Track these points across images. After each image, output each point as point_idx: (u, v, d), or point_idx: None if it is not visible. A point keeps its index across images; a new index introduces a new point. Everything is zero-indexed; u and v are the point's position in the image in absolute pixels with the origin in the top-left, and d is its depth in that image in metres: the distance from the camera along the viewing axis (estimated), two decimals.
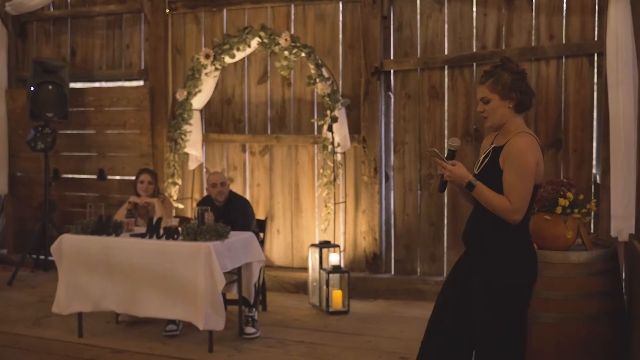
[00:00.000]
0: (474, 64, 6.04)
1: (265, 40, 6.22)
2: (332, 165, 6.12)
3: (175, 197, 6.70)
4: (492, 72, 3.02)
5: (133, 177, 5.90)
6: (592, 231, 5.49)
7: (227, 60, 6.49)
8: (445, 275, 6.07)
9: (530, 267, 3.03)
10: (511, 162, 2.92)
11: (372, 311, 5.80)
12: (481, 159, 3.13)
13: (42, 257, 7.27)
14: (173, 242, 4.74)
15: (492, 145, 3.09)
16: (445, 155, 3.03)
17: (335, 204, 6.21)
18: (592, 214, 5.00)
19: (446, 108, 6.17)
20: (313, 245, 6.05)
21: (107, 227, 4.97)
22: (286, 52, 6.15)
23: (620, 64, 5.01)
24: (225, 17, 6.94)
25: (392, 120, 6.37)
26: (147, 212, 5.63)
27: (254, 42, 6.32)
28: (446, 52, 6.17)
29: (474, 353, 3.08)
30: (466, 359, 3.13)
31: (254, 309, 5.13)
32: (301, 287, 6.31)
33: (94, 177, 7.36)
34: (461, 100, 6.09)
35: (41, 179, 7.28)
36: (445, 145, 5.93)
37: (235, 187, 6.65)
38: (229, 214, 5.46)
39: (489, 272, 2.99)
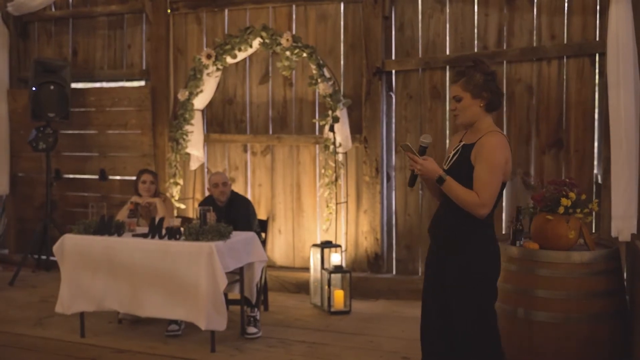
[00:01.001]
0: None
1: (267, 41, 6.23)
2: (333, 165, 6.13)
3: (176, 197, 6.70)
4: (465, 72, 3.15)
5: (134, 177, 5.90)
6: (594, 231, 5.49)
7: (229, 60, 6.49)
8: None
9: (494, 261, 3.16)
10: (483, 158, 3.04)
11: (373, 311, 5.80)
12: (450, 155, 3.24)
13: (43, 257, 7.28)
14: (175, 242, 4.75)
15: (462, 143, 3.21)
16: (418, 152, 3.13)
17: (336, 204, 6.22)
18: (594, 214, 5.00)
19: (447, 108, 6.17)
20: (315, 245, 6.06)
21: (109, 227, 4.98)
22: (288, 52, 6.15)
23: (621, 64, 5.01)
24: (226, 17, 6.94)
25: (393, 120, 6.37)
26: (149, 212, 5.63)
27: (256, 42, 6.33)
28: (448, 52, 6.17)
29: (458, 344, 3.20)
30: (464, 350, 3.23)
31: (255, 309, 5.13)
32: (303, 287, 6.32)
33: (96, 177, 7.37)
34: None
35: (43, 179, 7.29)
36: (446, 145, 5.94)
37: (237, 187, 6.66)
38: (231, 214, 5.46)
39: (456, 267, 3.12)
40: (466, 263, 3.10)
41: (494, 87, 3.15)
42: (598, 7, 5.61)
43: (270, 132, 6.81)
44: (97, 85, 7.79)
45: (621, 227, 4.96)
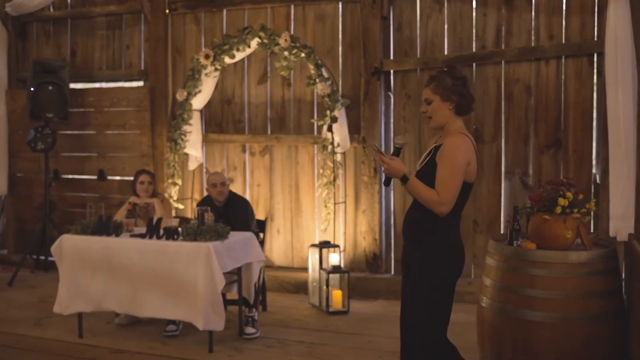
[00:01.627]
0: (474, 64, 6.05)
1: (265, 41, 6.23)
2: (332, 165, 6.13)
3: (175, 198, 6.71)
4: (436, 76, 3.30)
5: (133, 178, 5.90)
6: (591, 231, 5.49)
7: (227, 60, 6.49)
8: None
9: (450, 261, 3.28)
10: (443, 158, 3.19)
11: (372, 311, 5.80)
12: (423, 157, 3.39)
13: (42, 257, 7.28)
14: (173, 243, 4.75)
15: (434, 145, 3.35)
16: (392, 152, 3.30)
17: (335, 204, 6.22)
18: (592, 213, 5.00)
19: None
20: (313, 245, 6.06)
21: (107, 227, 4.98)
22: (286, 53, 6.15)
23: (620, 64, 5.01)
24: (225, 18, 6.95)
25: (392, 120, 6.37)
26: (147, 212, 5.63)
27: (254, 43, 6.33)
28: (446, 52, 6.18)
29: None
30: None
31: (254, 309, 5.14)
32: (301, 287, 6.32)
33: (94, 177, 7.37)
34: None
35: (41, 179, 7.29)
36: None
37: (235, 188, 6.66)
38: (229, 214, 5.46)
39: (416, 264, 3.29)
40: (422, 259, 3.26)
41: (464, 91, 3.27)
42: (596, 7, 5.62)
43: (269, 132, 6.81)
44: (96, 85, 7.79)
45: (619, 227, 4.96)
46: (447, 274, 3.29)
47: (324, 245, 5.96)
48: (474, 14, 6.07)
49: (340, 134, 6.16)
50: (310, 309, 5.89)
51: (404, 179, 3.23)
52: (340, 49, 6.53)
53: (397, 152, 3.31)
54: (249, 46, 6.36)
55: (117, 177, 7.39)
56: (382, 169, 3.35)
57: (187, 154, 6.77)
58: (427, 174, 3.25)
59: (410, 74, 6.28)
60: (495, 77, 6.00)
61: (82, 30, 7.64)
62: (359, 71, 6.38)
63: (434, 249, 3.25)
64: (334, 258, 5.88)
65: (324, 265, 5.87)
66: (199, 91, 6.60)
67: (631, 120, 4.96)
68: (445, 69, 3.33)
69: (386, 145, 6.34)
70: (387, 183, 3.43)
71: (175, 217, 5.90)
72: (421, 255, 3.28)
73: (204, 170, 7.00)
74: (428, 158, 3.32)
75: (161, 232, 4.85)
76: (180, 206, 6.75)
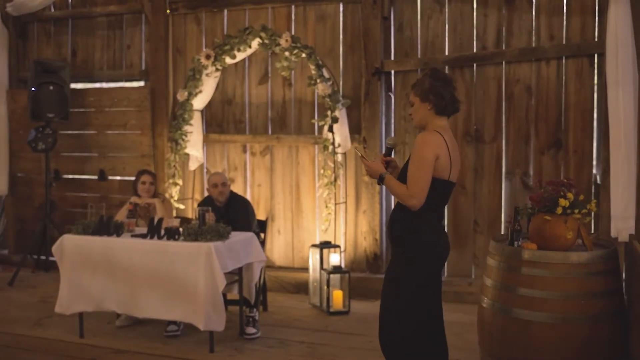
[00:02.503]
0: (475, 65, 6.05)
1: (266, 41, 6.23)
2: (332, 165, 6.13)
3: (176, 198, 6.71)
4: (417, 80, 3.44)
5: (134, 178, 5.91)
6: (592, 231, 5.49)
7: (228, 60, 6.50)
8: (445, 275, 6.08)
9: (424, 258, 3.35)
10: (413, 154, 3.30)
11: (372, 311, 5.79)
12: (408, 156, 3.44)
13: (42, 257, 7.28)
14: (174, 243, 4.75)
15: None
16: (383, 152, 3.43)
17: (335, 204, 6.22)
18: (592, 214, 5.01)
19: None
20: (314, 245, 6.06)
21: (108, 227, 4.99)
22: (287, 53, 6.16)
23: (620, 65, 5.01)
24: (225, 18, 6.95)
25: (392, 120, 6.38)
26: (148, 212, 5.64)
27: (255, 43, 6.33)
28: (447, 53, 6.18)
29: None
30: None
31: (254, 310, 5.14)
32: (302, 288, 6.32)
33: (95, 177, 7.38)
34: (461, 101, 6.07)
35: (42, 179, 7.30)
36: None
37: (236, 188, 6.66)
38: (230, 214, 5.47)
39: (392, 262, 3.45)
40: (396, 256, 3.41)
41: (443, 92, 3.34)
42: (597, 8, 5.62)
43: (270, 132, 6.82)
44: (97, 85, 7.80)
45: (620, 228, 4.96)
46: (419, 270, 3.35)
47: (325, 245, 5.96)
48: (474, 14, 6.07)
49: (340, 134, 6.16)
50: (310, 309, 5.89)
51: (381, 179, 3.38)
52: (341, 49, 6.53)
53: (389, 151, 3.45)
54: (250, 46, 6.36)
55: (118, 177, 7.39)
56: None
57: (187, 154, 6.78)
58: (404, 172, 3.38)
59: (410, 75, 6.28)
60: (495, 78, 6.01)
61: (82, 30, 7.65)
62: (360, 71, 6.38)
63: (407, 245, 3.34)
64: (334, 258, 5.88)
65: (325, 266, 5.88)
66: (200, 91, 6.61)
67: (632, 121, 4.97)
68: (427, 72, 3.44)
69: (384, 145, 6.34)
70: (380, 182, 3.49)
71: (176, 217, 5.91)
72: (396, 253, 3.41)
73: (205, 170, 7.00)
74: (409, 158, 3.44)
75: (162, 232, 4.85)
76: (181, 206, 6.76)
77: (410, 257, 3.34)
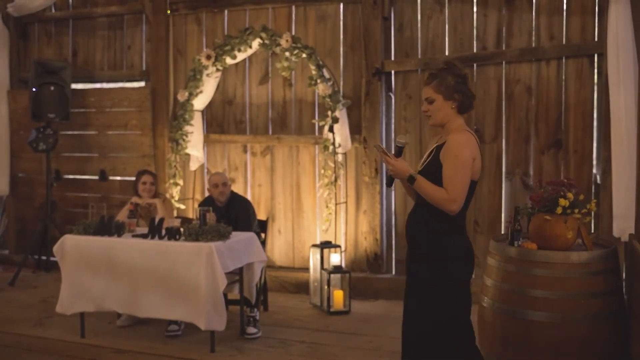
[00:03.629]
0: (475, 65, 6.05)
1: (267, 41, 6.24)
2: (333, 165, 6.14)
3: (176, 198, 6.72)
4: (437, 75, 3.22)
5: (134, 178, 5.92)
6: (592, 231, 5.49)
7: (228, 61, 6.51)
8: None
9: (465, 260, 3.23)
10: (449, 155, 3.14)
11: (373, 311, 5.81)
12: (425, 156, 3.34)
13: (43, 257, 7.29)
14: (175, 243, 4.76)
15: (436, 144, 3.30)
16: (393, 152, 3.24)
17: (336, 204, 6.23)
18: (593, 214, 5.01)
19: None
20: (314, 245, 6.07)
21: (109, 227, 4.99)
22: (287, 53, 6.17)
23: (621, 65, 5.01)
24: (226, 18, 6.95)
25: (393, 120, 6.39)
26: (148, 212, 5.65)
27: (255, 43, 6.34)
28: (447, 53, 6.18)
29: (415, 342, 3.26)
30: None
31: (255, 309, 5.15)
32: (302, 288, 6.33)
33: (96, 177, 7.38)
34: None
35: (43, 179, 7.30)
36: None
37: (237, 188, 6.67)
38: (231, 214, 5.48)
39: (426, 266, 3.20)
40: (430, 263, 3.19)
41: (465, 89, 3.22)
42: (597, 8, 5.62)
43: (270, 132, 6.82)
44: (97, 86, 7.80)
45: (623, 227, 4.95)
46: (458, 274, 3.21)
47: (325, 245, 5.97)
48: (474, 14, 6.08)
49: (341, 134, 6.17)
50: (311, 309, 5.90)
51: (411, 180, 3.17)
52: (341, 49, 6.54)
53: (399, 151, 3.25)
54: (250, 47, 6.37)
55: (118, 178, 7.40)
56: (386, 169, 3.29)
57: (188, 155, 6.79)
58: (430, 173, 3.19)
59: (411, 75, 6.29)
60: (495, 78, 6.01)
61: (83, 31, 7.65)
62: (360, 72, 6.38)
63: (444, 251, 3.18)
64: (335, 258, 5.89)
65: (325, 266, 5.88)
66: (200, 92, 6.62)
67: (634, 121, 4.97)
68: (445, 66, 3.24)
69: (387, 145, 6.35)
70: (389, 184, 3.39)
71: (176, 217, 5.91)
72: (430, 258, 3.19)
73: (205, 170, 7.01)
74: (430, 158, 3.27)
75: (163, 232, 4.86)
76: (182, 206, 6.77)
77: (444, 263, 3.17)
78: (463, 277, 3.23)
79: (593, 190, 5.65)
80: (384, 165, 3.34)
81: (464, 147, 3.13)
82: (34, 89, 6.98)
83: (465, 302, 3.25)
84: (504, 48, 5.97)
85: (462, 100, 3.21)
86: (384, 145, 6.27)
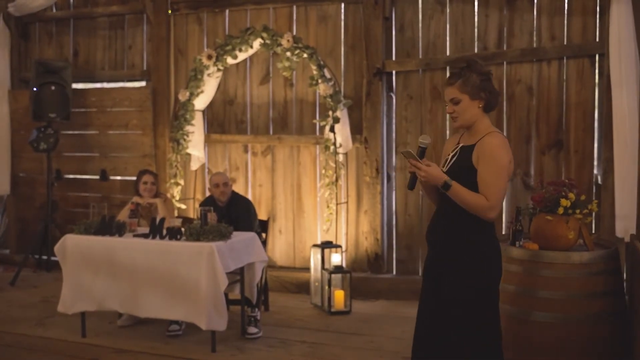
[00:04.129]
0: None
1: (268, 41, 6.24)
2: (334, 165, 6.14)
3: (177, 198, 6.72)
4: (461, 74, 3.08)
5: (135, 178, 5.92)
6: (593, 232, 5.50)
7: (230, 61, 6.51)
8: None
9: (496, 264, 3.12)
10: (487, 160, 2.99)
11: (374, 311, 5.81)
12: (448, 157, 3.18)
13: (44, 257, 7.29)
14: (176, 243, 4.76)
15: (460, 145, 3.15)
16: (416, 153, 3.07)
17: (337, 204, 6.23)
18: (594, 214, 5.01)
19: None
20: (315, 245, 6.07)
21: (110, 227, 5.00)
22: (288, 53, 6.17)
23: (623, 65, 5.01)
24: (227, 18, 6.96)
25: (394, 120, 6.39)
26: (149, 212, 5.65)
27: (256, 43, 6.34)
28: (448, 53, 6.18)
29: (445, 352, 3.11)
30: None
31: (256, 309, 5.15)
32: (303, 287, 6.33)
33: (97, 177, 7.37)
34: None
35: (44, 179, 7.30)
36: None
37: (238, 188, 6.67)
38: (232, 214, 5.48)
39: (458, 272, 3.05)
40: (464, 270, 3.04)
41: (491, 87, 3.10)
42: (598, 8, 5.63)
43: (271, 132, 6.82)
44: (98, 85, 7.80)
45: (627, 227, 4.94)
46: (493, 281, 3.10)
47: (326, 245, 5.97)
48: (475, 14, 6.08)
49: (342, 134, 6.17)
50: (312, 309, 5.90)
51: (446, 186, 2.99)
52: (342, 49, 6.54)
53: (423, 152, 3.06)
54: (252, 47, 6.37)
55: (119, 177, 7.40)
56: (409, 173, 3.10)
57: (189, 154, 6.79)
58: (458, 176, 3.03)
59: (412, 75, 6.29)
60: (497, 78, 6.00)
61: (84, 31, 7.65)
62: (361, 72, 6.39)
63: (477, 258, 3.04)
64: (335, 258, 5.89)
65: (326, 266, 5.88)
66: (201, 91, 6.62)
67: (636, 120, 4.96)
68: (467, 65, 3.10)
69: (387, 145, 6.35)
70: (411, 186, 3.16)
71: (177, 217, 5.92)
72: (462, 268, 3.04)
73: (206, 170, 7.01)
74: (455, 158, 3.13)
75: (164, 232, 4.86)
76: (183, 206, 6.77)
77: (481, 268, 3.04)
78: (496, 280, 3.12)
79: (594, 191, 5.66)
80: (409, 168, 3.11)
81: (501, 150, 3.00)
82: (34, 89, 6.98)
83: (496, 305, 3.13)
84: (505, 48, 5.98)
85: (488, 98, 3.09)
86: (384, 145, 6.29)
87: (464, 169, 3.05)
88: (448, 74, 3.16)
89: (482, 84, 3.07)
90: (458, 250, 3.07)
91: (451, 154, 3.18)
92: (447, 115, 6.12)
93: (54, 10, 7.77)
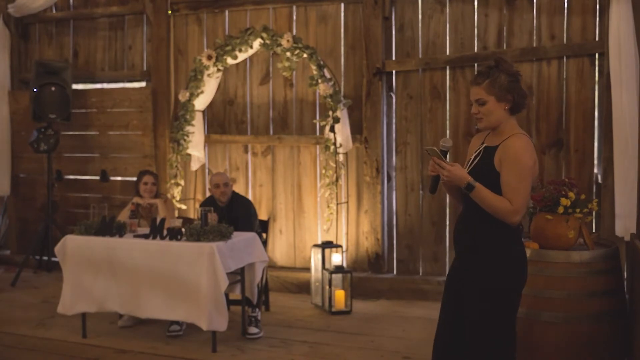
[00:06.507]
0: (476, 65, 6.05)
1: (267, 41, 6.24)
2: (334, 165, 6.14)
3: (177, 198, 6.72)
4: (488, 74, 2.96)
5: (135, 178, 5.92)
6: (593, 231, 5.50)
7: (229, 61, 6.51)
8: (447, 275, 6.08)
9: (522, 268, 3.03)
10: (510, 163, 2.89)
11: (374, 311, 5.81)
12: (472, 158, 3.10)
13: (45, 258, 7.29)
14: (176, 243, 4.76)
15: (484, 145, 3.07)
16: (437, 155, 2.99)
17: (337, 204, 6.23)
18: (594, 213, 5.01)
19: (448, 108, 6.19)
20: (315, 245, 6.07)
21: (110, 227, 5.00)
22: (288, 53, 6.17)
23: (623, 64, 5.02)
24: (227, 18, 6.96)
25: (394, 120, 6.39)
26: (150, 213, 5.65)
27: (256, 43, 6.34)
28: (448, 53, 6.18)
29: (467, 353, 3.05)
30: None
31: (256, 309, 5.15)
32: (304, 287, 6.33)
33: (97, 178, 7.37)
34: (463, 101, 6.10)
35: (44, 180, 7.30)
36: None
37: (238, 188, 6.67)
38: (232, 214, 5.48)
39: (483, 275, 2.97)
40: (488, 272, 2.96)
41: (519, 88, 2.97)
42: (597, 7, 5.63)
43: (271, 132, 6.83)
44: (98, 86, 7.81)
45: (627, 226, 4.95)
46: (516, 285, 3.02)
47: (327, 245, 5.97)
48: (475, 14, 6.08)
49: (342, 134, 6.17)
50: (312, 309, 5.90)
51: (469, 187, 2.90)
52: (342, 49, 6.54)
53: (444, 156, 2.98)
54: (251, 47, 6.37)
55: (120, 178, 7.40)
56: (430, 176, 3.04)
57: (189, 155, 6.79)
58: (480, 176, 2.95)
59: (412, 75, 6.29)
60: None
61: (84, 31, 7.66)
62: (361, 72, 6.39)
63: (501, 261, 2.96)
64: (336, 258, 5.89)
65: (327, 266, 5.89)
66: (202, 92, 6.62)
67: (636, 119, 4.97)
68: (496, 64, 2.97)
69: (388, 145, 6.35)
70: (434, 190, 3.07)
71: (178, 217, 5.92)
72: (486, 270, 2.96)
73: (207, 170, 7.01)
74: (478, 159, 3.04)
75: (164, 232, 4.86)
76: (183, 207, 6.77)
77: (501, 271, 2.95)
78: (521, 285, 3.04)
79: (594, 190, 5.66)
80: (430, 169, 3.01)
81: (525, 152, 2.89)
82: (35, 90, 6.98)
83: (517, 310, 3.06)
84: (504, 48, 5.97)
85: (515, 100, 2.96)
86: (385, 145, 6.29)
87: (486, 170, 2.97)
88: (476, 72, 3.01)
89: (510, 85, 2.95)
90: (478, 252, 2.99)
91: (474, 154, 3.09)
92: (448, 115, 6.16)
93: (54, 11, 7.77)
